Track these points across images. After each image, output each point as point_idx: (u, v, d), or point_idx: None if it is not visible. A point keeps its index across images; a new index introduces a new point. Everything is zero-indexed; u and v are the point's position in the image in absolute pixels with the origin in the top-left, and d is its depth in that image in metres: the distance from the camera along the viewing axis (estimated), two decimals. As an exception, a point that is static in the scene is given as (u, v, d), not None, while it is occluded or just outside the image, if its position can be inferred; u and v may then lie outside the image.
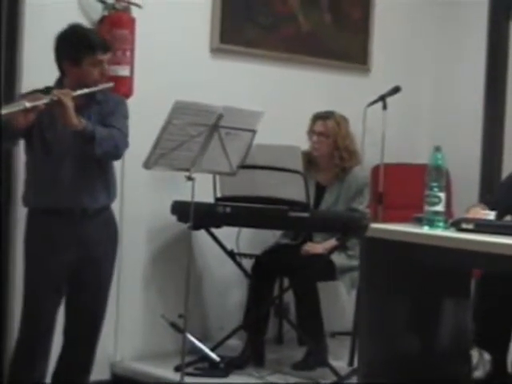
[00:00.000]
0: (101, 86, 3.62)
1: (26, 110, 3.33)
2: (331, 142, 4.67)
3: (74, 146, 3.57)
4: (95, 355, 3.84)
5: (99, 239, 3.71)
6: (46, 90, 3.55)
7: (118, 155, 3.68)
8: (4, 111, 3.31)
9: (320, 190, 4.74)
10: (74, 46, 3.58)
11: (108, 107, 3.68)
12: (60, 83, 3.64)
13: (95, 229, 3.69)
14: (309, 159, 4.72)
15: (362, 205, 4.65)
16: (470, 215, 3.72)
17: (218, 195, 4.40)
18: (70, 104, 3.41)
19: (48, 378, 3.80)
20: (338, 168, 4.69)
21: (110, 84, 3.69)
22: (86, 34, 3.66)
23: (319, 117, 4.72)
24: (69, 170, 3.60)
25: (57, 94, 3.41)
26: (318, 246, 4.60)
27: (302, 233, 4.72)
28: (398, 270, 3.65)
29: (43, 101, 3.38)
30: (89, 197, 3.65)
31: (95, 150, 3.51)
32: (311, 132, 4.73)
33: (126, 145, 3.69)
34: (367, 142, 4.75)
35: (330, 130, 4.67)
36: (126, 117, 3.75)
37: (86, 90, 3.54)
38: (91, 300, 3.75)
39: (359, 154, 4.74)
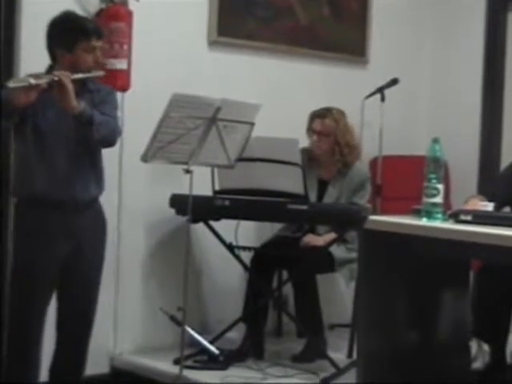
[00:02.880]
0: (95, 73, 3.59)
1: (30, 87, 3.31)
2: (331, 140, 4.67)
3: (68, 136, 3.54)
4: (88, 348, 3.79)
5: (90, 232, 3.68)
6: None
7: (113, 141, 3.65)
8: (12, 85, 3.29)
9: (322, 186, 4.74)
10: (68, 32, 3.55)
11: (99, 97, 3.66)
12: (51, 71, 3.57)
13: (86, 222, 3.65)
14: (310, 156, 4.72)
15: (364, 199, 4.65)
16: (469, 206, 3.72)
17: (217, 188, 4.40)
18: (70, 86, 3.40)
19: (44, 372, 3.79)
20: (340, 163, 4.69)
21: (102, 72, 3.67)
22: (80, 19, 3.65)
23: (316, 115, 4.71)
24: (62, 160, 3.56)
25: (57, 75, 3.40)
26: (318, 239, 4.60)
27: (303, 226, 4.72)
28: (396, 262, 3.65)
29: (45, 80, 3.36)
30: (81, 187, 3.61)
31: (93, 133, 3.50)
32: (310, 130, 4.72)
33: (119, 132, 3.69)
34: (365, 134, 4.75)
35: (328, 128, 4.66)
36: (116, 107, 3.74)
37: (80, 75, 3.51)
38: (83, 294, 3.71)
39: (359, 147, 4.74)
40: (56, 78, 3.39)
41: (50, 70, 3.60)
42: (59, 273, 3.64)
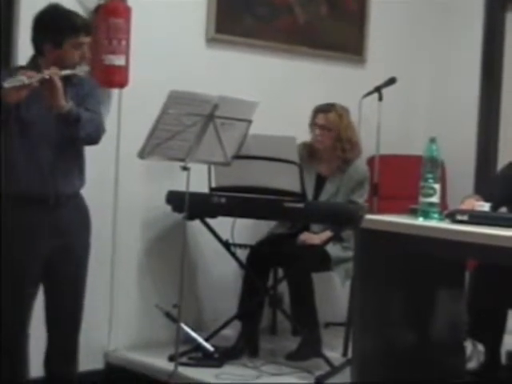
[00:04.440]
0: (81, 69, 3.53)
1: (24, 86, 3.29)
2: (334, 135, 4.67)
3: (52, 129, 3.49)
4: (79, 341, 3.77)
5: (72, 226, 3.63)
6: (19, 70, 3.48)
7: (98, 139, 3.61)
8: (7, 85, 3.26)
9: (320, 181, 4.74)
10: (57, 28, 3.50)
11: (83, 90, 3.61)
12: (34, 62, 3.55)
13: (68, 216, 3.60)
14: (310, 151, 4.73)
15: (362, 198, 4.66)
16: (465, 206, 3.72)
17: (213, 185, 4.40)
18: (59, 84, 3.37)
19: (40, 368, 3.78)
20: (340, 159, 4.69)
21: (88, 68, 3.65)
22: (69, 14, 3.58)
23: (320, 110, 4.72)
24: (46, 154, 3.52)
25: (48, 73, 3.35)
26: (314, 237, 4.60)
27: (297, 223, 4.72)
28: (392, 261, 3.66)
29: (37, 78, 3.32)
30: (65, 181, 3.56)
31: (79, 132, 3.47)
32: (313, 125, 4.73)
33: (104, 129, 3.64)
34: (363, 132, 4.75)
35: (331, 122, 4.67)
36: (99, 102, 3.71)
37: (68, 72, 3.47)
38: (69, 288, 3.67)
39: (360, 145, 4.75)
40: (47, 77, 3.35)
41: (34, 61, 3.56)
42: (44, 268, 3.60)
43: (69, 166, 3.60)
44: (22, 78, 3.30)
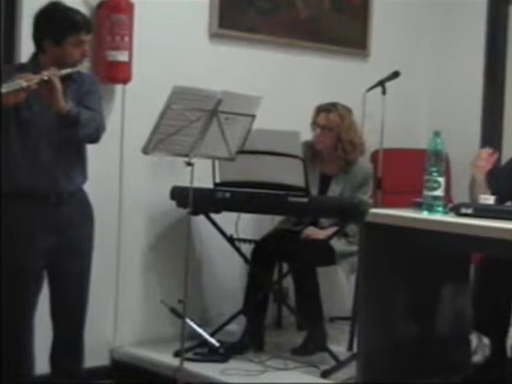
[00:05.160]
0: (81, 67, 3.53)
1: (22, 89, 3.28)
2: (334, 135, 4.64)
3: (52, 127, 3.48)
4: (84, 336, 3.78)
5: (75, 222, 3.63)
6: (20, 67, 3.50)
7: (98, 138, 3.61)
8: (4, 90, 3.24)
9: (325, 181, 4.72)
10: (57, 25, 3.49)
11: (84, 86, 3.61)
12: (35, 60, 3.56)
13: (70, 212, 3.61)
14: (312, 150, 4.71)
15: (366, 195, 4.64)
16: (478, 162, 3.99)
17: (217, 180, 4.40)
18: (59, 85, 3.36)
19: (45, 364, 3.80)
20: (342, 160, 4.67)
21: (88, 65, 3.64)
22: (70, 12, 3.56)
23: (322, 109, 4.68)
24: (46, 152, 3.52)
25: (47, 75, 3.35)
26: (319, 232, 4.59)
27: (303, 219, 4.72)
28: (397, 255, 3.66)
29: (35, 80, 3.31)
30: (66, 179, 3.57)
31: (78, 133, 3.47)
32: (314, 124, 4.71)
33: (104, 128, 3.64)
34: (366, 126, 4.75)
35: (332, 123, 4.64)
36: (100, 98, 3.70)
37: (69, 70, 3.46)
38: (74, 285, 3.68)
39: (363, 145, 4.72)
40: (46, 78, 3.34)
41: (35, 59, 3.56)
42: (47, 265, 3.61)
43: (70, 164, 3.61)
44: (20, 82, 3.28)
